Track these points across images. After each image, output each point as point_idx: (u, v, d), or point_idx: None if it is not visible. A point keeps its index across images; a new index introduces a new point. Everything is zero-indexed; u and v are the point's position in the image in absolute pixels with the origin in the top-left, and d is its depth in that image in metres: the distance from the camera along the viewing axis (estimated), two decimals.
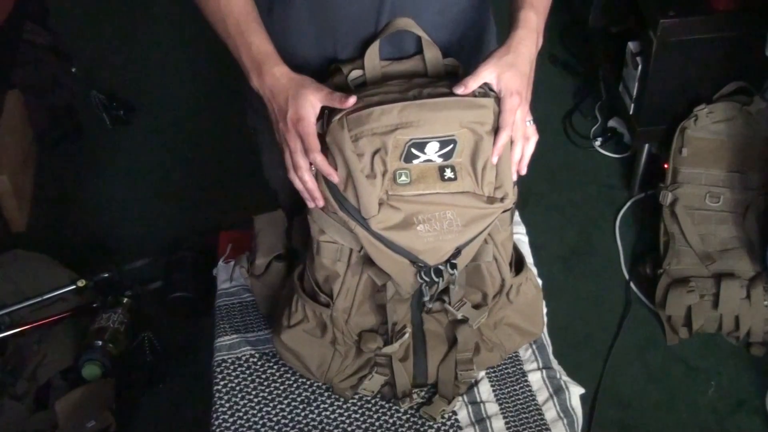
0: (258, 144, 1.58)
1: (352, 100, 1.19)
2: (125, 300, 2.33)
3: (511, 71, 1.21)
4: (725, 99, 2.36)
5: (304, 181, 1.25)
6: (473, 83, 1.20)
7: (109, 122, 3.00)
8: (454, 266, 1.27)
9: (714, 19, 2.32)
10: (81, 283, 2.33)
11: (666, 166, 2.42)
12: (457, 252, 1.26)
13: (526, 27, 1.24)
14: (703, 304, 2.28)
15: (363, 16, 1.29)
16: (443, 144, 1.20)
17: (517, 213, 1.71)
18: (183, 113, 3.07)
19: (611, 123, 2.86)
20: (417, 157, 1.20)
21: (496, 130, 1.21)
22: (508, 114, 1.21)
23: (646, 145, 2.61)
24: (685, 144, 2.37)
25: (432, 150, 1.20)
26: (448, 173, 1.21)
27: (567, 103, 2.99)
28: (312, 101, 1.21)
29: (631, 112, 2.56)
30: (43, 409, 2.14)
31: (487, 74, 1.21)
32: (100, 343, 2.20)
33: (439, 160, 1.21)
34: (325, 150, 1.21)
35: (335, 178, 1.21)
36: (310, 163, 1.24)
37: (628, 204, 2.70)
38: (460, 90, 1.20)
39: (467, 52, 1.39)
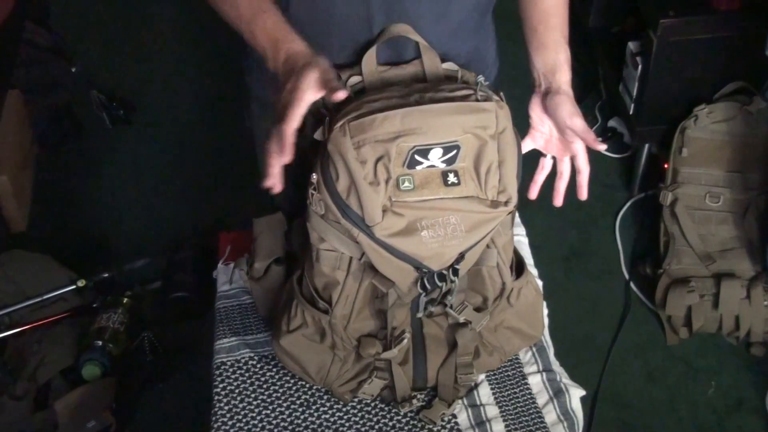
0: (255, 143, 1.57)
1: (341, 94, 1.16)
2: (125, 300, 2.33)
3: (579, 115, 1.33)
4: (725, 99, 2.36)
5: (270, 158, 1.18)
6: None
7: (109, 122, 3.00)
8: (456, 271, 1.26)
9: (714, 19, 2.32)
10: (81, 283, 2.34)
11: (666, 166, 2.42)
12: (461, 257, 1.25)
13: (567, 68, 1.33)
14: (703, 304, 2.29)
15: (354, 17, 1.28)
16: (447, 150, 1.19)
17: (516, 214, 1.71)
18: (183, 113, 3.07)
19: (611, 123, 2.86)
20: (420, 163, 1.19)
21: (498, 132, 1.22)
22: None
23: (646, 145, 2.61)
24: (685, 144, 2.37)
25: (435, 156, 1.19)
26: (452, 178, 1.20)
27: None
28: (314, 78, 1.16)
29: (631, 112, 2.56)
30: (43, 409, 2.14)
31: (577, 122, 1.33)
32: (100, 343, 2.20)
33: (443, 166, 1.20)
34: (327, 158, 1.20)
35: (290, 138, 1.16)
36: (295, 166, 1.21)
37: (628, 204, 2.70)
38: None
39: (466, 57, 1.38)
